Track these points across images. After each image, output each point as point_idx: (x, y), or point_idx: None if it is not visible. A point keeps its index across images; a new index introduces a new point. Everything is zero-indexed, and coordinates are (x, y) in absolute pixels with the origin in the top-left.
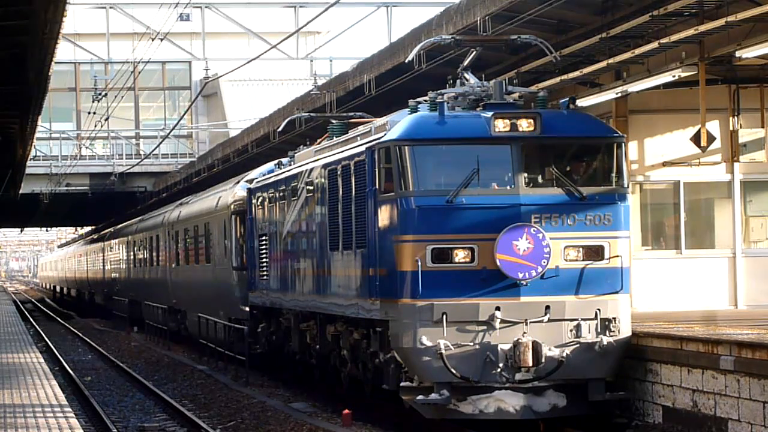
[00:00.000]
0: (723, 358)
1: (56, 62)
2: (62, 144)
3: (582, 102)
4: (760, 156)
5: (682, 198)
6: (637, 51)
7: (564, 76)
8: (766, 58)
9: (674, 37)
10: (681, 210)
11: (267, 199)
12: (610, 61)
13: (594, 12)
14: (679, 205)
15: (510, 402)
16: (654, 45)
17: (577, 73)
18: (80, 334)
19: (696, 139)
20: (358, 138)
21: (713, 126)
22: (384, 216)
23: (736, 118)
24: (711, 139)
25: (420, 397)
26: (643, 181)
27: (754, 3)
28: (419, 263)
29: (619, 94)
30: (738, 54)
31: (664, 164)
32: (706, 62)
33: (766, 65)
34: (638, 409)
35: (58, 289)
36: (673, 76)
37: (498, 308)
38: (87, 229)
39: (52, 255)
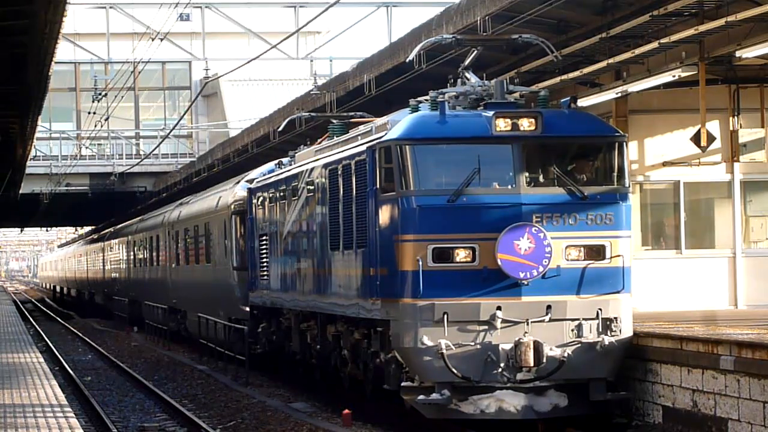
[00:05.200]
0: (723, 358)
1: (56, 62)
2: (62, 144)
3: (582, 102)
4: (760, 156)
5: (682, 198)
6: (637, 51)
7: (564, 76)
8: (766, 58)
9: (674, 37)
10: (681, 210)
11: (267, 199)
12: (610, 61)
13: (594, 12)
14: (679, 205)
15: (511, 402)
16: (654, 45)
17: (577, 73)
18: (80, 334)
19: (696, 139)
20: (359, 137)
21: (713, 126)
22: (385, 215)
23: (736, 118)
24: (711, 139)
25: (421, 397)
26: (643, 181)
27: (754, 3)
28: (420, 263)
29: (619, 94)
30: (738, 54)
31: (664, 164)
32: (706, 62)
33: (766, 65)
34: (638, 409)
35: (58, 289)
36: (673, 76)
37: (499, 308)
38: (87, 229)
39: (52, 255)
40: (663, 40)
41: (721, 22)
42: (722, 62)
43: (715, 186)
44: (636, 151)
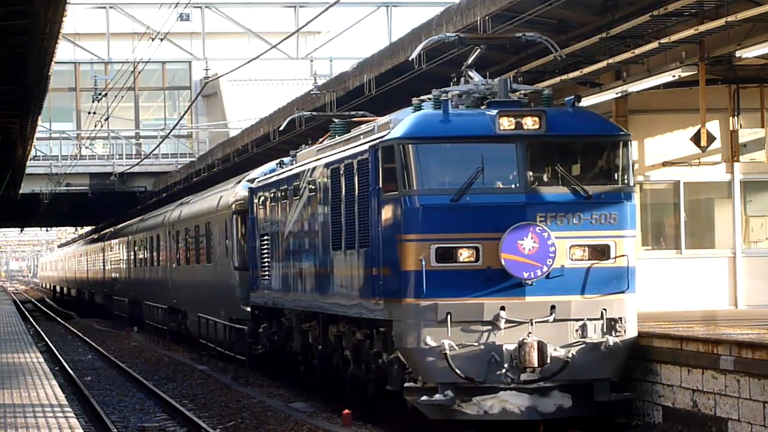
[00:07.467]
0: (723, 358)
1: (56, 62)
2: (62, 144)
3: (582, 102)
4: (760, 156)
5: (682, 198)
6: (637, 51)
7: (564, 76)
8: (766, 58)
9: (674, 37)
10: (681, 210)
11: (268, 199)
12: (610, 61)
13: (594, 12)
14: (679, 205)
15: (515, 403)
16: (654, 45)
17: (577, 73)
18: (80, 334)
19: (696, 139)
20: (361, 137)
21: (713, 126)
22: (387, 215)
23: (736, 118)
24: (711, 139)
25: (424, 397)
26: (643, 181)
27: (754, 3)
28: (423, 263)
29: (619, 94)
30: (738, 54)
31: (664, 164)
32: (706, 62)
33: (766, 65)
34: (638, 409)
35: (58, 289)
36: (673, 76)
37: (503, 308)
38: (87, 229)
39: (52, 255)
40: (663, 40)
41: (721, 22)
42: (722, 62)
43: (715, 186)
44: (636, 151)
